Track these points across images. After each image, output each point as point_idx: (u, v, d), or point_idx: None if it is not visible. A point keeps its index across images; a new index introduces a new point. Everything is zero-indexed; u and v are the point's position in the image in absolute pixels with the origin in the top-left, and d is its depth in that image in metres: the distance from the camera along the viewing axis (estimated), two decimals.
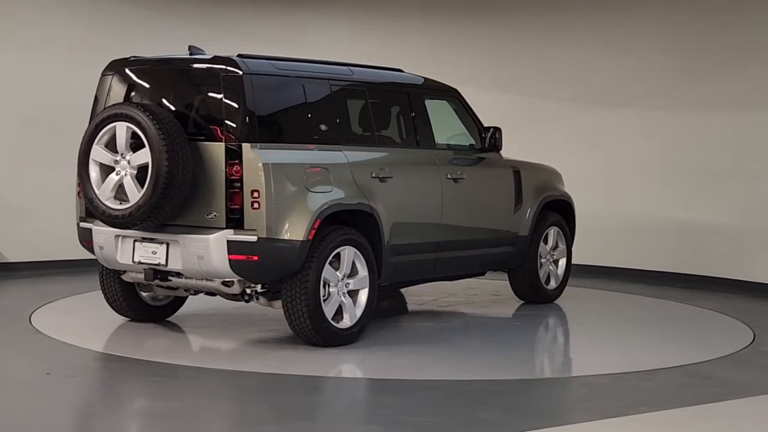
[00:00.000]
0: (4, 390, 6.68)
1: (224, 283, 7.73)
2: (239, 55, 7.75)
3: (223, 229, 7.48)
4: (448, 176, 8.80)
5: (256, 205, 7.36)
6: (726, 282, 11.41)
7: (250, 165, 7.39)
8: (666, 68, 11.92)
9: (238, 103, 7.50)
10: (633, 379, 7.33)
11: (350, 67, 8.55)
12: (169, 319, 8.84)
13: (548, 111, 12.71)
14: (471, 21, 13.18)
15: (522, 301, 10.06)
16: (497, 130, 9.31)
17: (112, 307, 8.63)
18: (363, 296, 7.92)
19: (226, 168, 7.44)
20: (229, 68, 7.59)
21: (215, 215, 7.52)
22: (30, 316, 8.93)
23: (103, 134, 7.72)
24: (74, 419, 6.27)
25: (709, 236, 11.48)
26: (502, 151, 9.62)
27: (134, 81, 8.14)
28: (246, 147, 7.40)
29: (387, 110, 8.85)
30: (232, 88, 7.53)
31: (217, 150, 7.50)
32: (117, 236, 7.92)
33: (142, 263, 7.84)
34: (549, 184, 10.01)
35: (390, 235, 8.16)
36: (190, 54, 7.94)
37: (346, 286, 7.83)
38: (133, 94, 8.09)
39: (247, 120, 7.48)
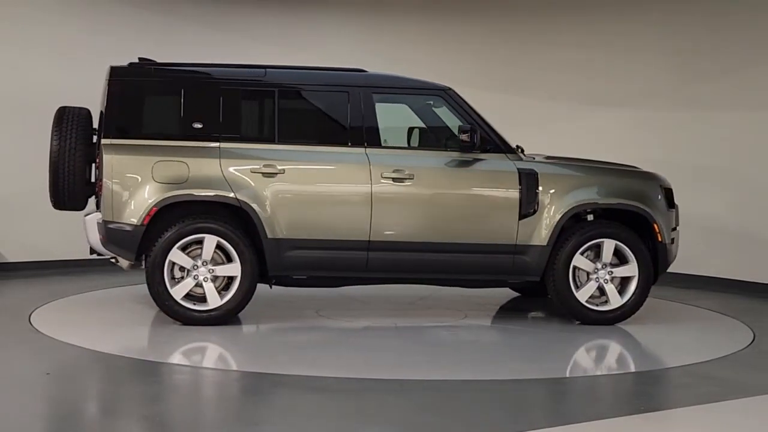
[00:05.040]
0: (4, 390, 6.68)
1: (112, 258, 8.84)
2: (130, 63, 8.87)
3: (96, 212, 8.74)
4: (384, 175, 8.76)
5: (101, 192, 8.52)
6: (726, 282, 11.41)
7: (102, 157, 8.52)
8: (665, 69, 11.93)
9: (106, 104, 8.65)
10: (633, 379, 7.33)
11: (267, 69, 8.97)
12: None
13: (548, 111, 12.73)
14: (471, 21, 13.19)
15: (578, 321, 9.11)
16: (467, 131, 8.74)
17: None
18: (235, 283, 8.59)
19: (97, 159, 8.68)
20: (107, 74, 8.73)
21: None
22: (30, 316, 8.93)
23: None
24: (74, 419, 6.26)
25: (709, 236, 11.48)
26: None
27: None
28: (103, 142, 8.53)
29: (304, 110, 9.16)
30: (107, 91, 8.68)
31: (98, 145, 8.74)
32: (84, 216, 9.09)
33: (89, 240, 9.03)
34: (599, 190, 9.03)
35: (281, 229, 8.61)
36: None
37: (210, 272, 8.54)
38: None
39: (111, 118, 8.62)
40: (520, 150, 9.17)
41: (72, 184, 8.70)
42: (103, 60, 9.25)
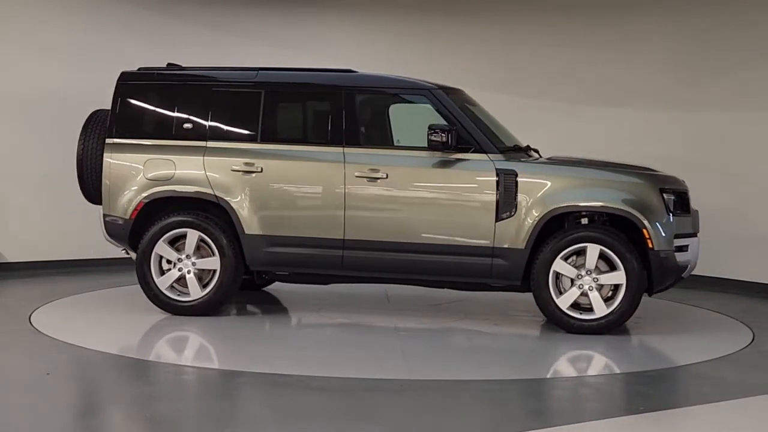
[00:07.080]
0: (4, 390, 6.68)
1: (123, 249, 9.36)
2: (139, 68, 9.38)
3: None
4: (357, 175, 8.79)
5: (102, 188, 9.17)
6: (725, 282, 11.41)
7: (105, 155, 9.17)
8: (664, 69, 11.93)
9: (112, 106, 9.24)
10: (633, 379, 7.33)
11: (258, 71, 9.24)
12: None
13: (548, 112, 12.72)
14: (471, 22, 13.19)
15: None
16: (438, 130, 8.52)
17: None
18: (215, 276, 9.01)
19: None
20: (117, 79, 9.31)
21: None
22: (30, 316, 8.94)
23: None
24: (74, 419, 6.27)
25: (708, 236, 11.46)
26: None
27: None
28: (107, 141, 9.19)
29: (288, 110, 9.45)
30: (113, 94, 9.24)
31: None
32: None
33: None
34: (584, 192, 8.56)
35: (259, 226, 8.92)
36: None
37: (193, 265, 9.01)
38: None
39: (116, 119, 9.21)
40: (526, 150, 9.07)
41: (95, 180, 9.29)
42: (104, 60, 9.27)
